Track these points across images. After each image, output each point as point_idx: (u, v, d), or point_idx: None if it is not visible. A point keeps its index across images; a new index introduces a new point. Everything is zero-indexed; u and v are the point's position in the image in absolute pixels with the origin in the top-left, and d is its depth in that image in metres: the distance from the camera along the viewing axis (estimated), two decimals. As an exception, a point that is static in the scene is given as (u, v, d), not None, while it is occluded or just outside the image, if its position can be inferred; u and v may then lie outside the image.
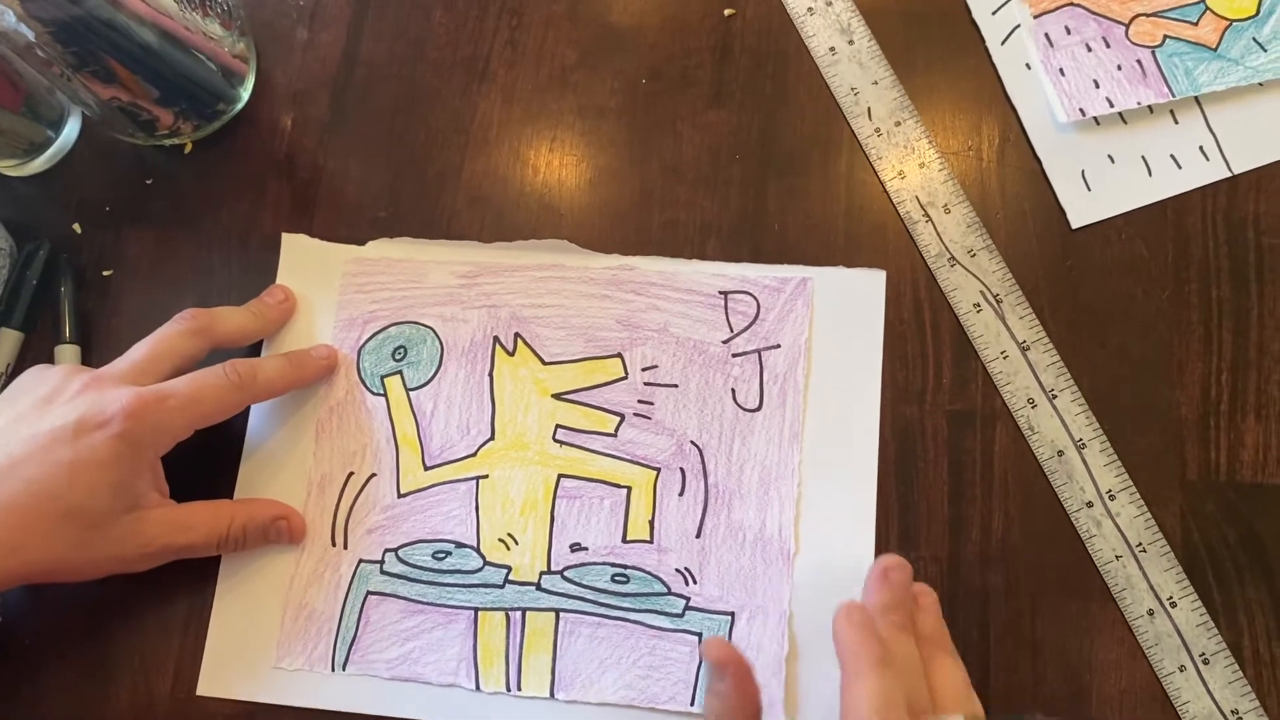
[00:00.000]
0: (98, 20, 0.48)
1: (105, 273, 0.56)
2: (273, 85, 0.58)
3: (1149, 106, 0.53)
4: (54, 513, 0.45)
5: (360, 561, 0.52)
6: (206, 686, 0.51)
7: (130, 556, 0.47)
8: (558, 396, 0.52)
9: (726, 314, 0.53)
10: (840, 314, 0.52)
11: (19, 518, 0.44)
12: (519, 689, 0.49)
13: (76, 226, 0.57)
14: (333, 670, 0.50)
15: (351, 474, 0.53)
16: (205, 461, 0.52)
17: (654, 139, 0.56)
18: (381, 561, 0.51)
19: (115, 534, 0.46)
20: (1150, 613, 0.48)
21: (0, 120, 0.55)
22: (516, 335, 0.53)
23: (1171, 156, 0.53)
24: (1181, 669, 0.47)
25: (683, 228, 0.54)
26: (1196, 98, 0.53)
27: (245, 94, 0.58)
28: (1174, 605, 0.48)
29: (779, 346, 0.52)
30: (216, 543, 0.50)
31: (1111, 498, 0.49)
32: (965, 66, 0.55)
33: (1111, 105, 0.53)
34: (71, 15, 0.47)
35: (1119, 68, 0.54)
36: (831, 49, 0.56)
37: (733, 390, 0.52)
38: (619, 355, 0.53)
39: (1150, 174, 0.53)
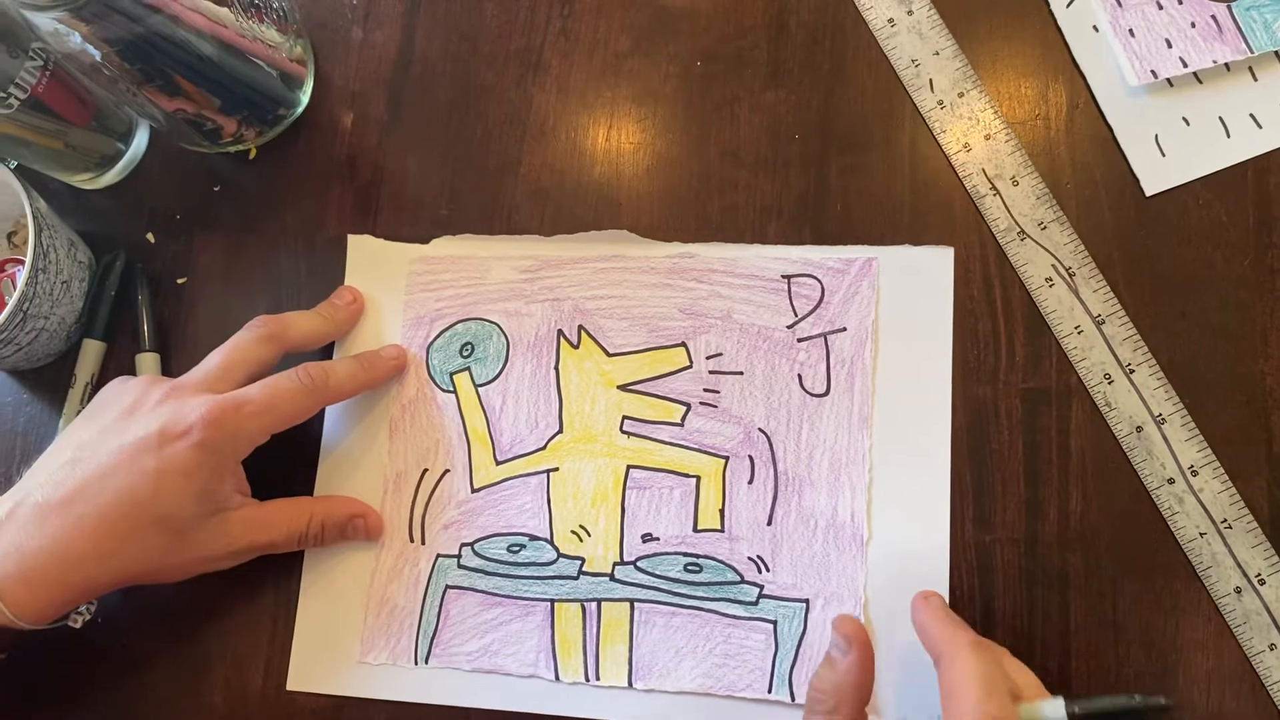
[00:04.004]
0: (160, 37, 0.49)
1: (179, 280, 0.58)
2: (331, 87, 0.59)
3: (1226, 64, 0.51)
4: (143, 521, 0.46)
5: (438, 556, 0.53)
6: (296, 681, 0.52)
7: (217, 556, 0.49)
8: (623, 388, 0.53)
9: (790, 298, 0.52)
10: (907, 294, 0.52)
11: (111, 527, 0.46)
12: (598, 679, 0.50)
13: (150, 236, 0.59)
14: (416, 664, 0.51)
15: (426, 470, 0.54)
16: (284, 463, 0.53)
17: (711, 122, 0.55)
18: (458, 556, 0.52)
19: (201, 537, 0.48)
20: (1238, 590, 0.47)
21: (72, 136, 0.56)
22: (580, 328, 0.53)
23: (1251, 116, 0.51)
24: (1272, 647, 0.46)
25: (743, 212, 0.54)
26: (1277, 52, 0.51)
27: (305, 97, 0.58)
28: (1263, 583, 0.47)
29: (845, 329, 0.51)
30: (297, 539, 0.51)
31: (1194, 473, 0.48)
32: (1029, 32, 0.53)
33: (1185, 65, 0.51)
34: (134, 33, 0.48)
35: (1192, 25, 0.51)
36: (890, 20, 0.54)
37: (799, 376, 0.51)
38: (683, 344, 0.53)
39: (1228, 135, 0.51)
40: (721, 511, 0.51)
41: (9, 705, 0.53)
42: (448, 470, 0.53)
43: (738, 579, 0.50)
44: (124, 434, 0.48)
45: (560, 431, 0.53)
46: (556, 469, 0.52)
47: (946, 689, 0.40)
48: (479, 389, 0.54)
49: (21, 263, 0.57)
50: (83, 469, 0.47)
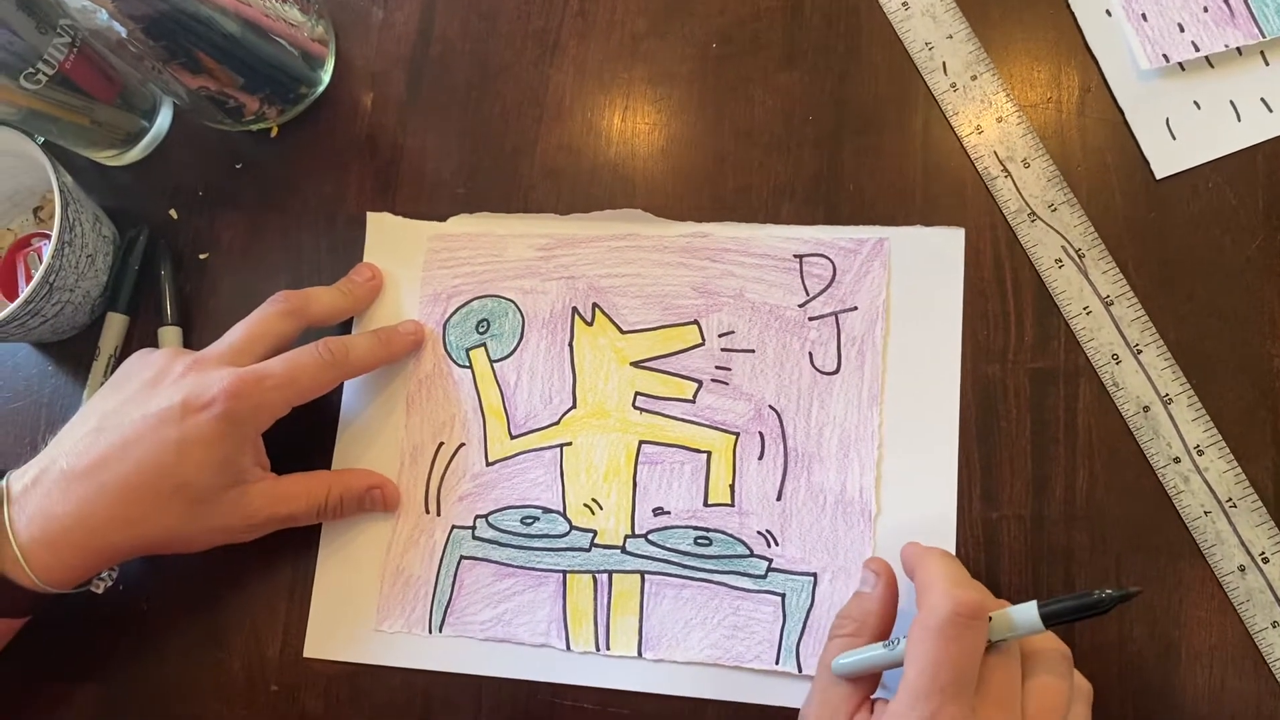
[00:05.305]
0: (184, 14, 0.50)
1: (201, 256, 0.59)
2: (352, 66, 0.60)
3: (1237, 49, 0.52)
4: (164, 489, 0.47)
5: (453, 527, 0.53)
6: (313, 649, 0.53)
7: (236, 528, 0.50)
8: (636, 364, 0.53)
9: (802, 277, 0.53)
10: (918, 274, 0.52)
11: (133, 494, 0.47)
12: (608, 649, 0.51)
13: (173, 212, 0.60)
14: (430, 632, 0.52)
15: (442, 444, 0.54)
16: (303, 436, 0.54)
17: (726, 104, 0.56)
18: (473, 527, 0.53)
19: (221, 508, 0.49)
20: (1241, 569, 0.47)
21: (98, 113, 0.57)
22: (594, 305, 0.54)
23: (1262, 100, 0.51)
24: (1274, 625, 0.47)
25: (756, 192, 0.54)
26: (1289, 37, 0.51)
27: (326, 76, 0.59)
28: (1266, 561, 0.47)
29: (856, 309, 0.52)
30: (315, 512, 0.52)
31: (1200, 453, 0.48)
32: (1042, 16, 0.54)
33: (1197, 49, 0.51)
34: (160, 10, 0.49)
35: (1205, 9, 0.52)
36: (904, 3, 0.55)
37: (810, 354, 0.52)
38: (695, 322, 0.53)
39: (1239, 119, 0.51)
40: (732, 486, 0.51)
41: (31, 667, 0.55)
42: (463, 444, 0.54)
43: (747, 552, 0.51)
44: (147, 404, 0.49)
45: (574, 407, 0.54)
46: (570, 443, 0.53)
47: (920, 586, 0.42)
48: (494, 364, 0.55)
49: (48, 237, 0.58)
50: (107, 438, 0.48)
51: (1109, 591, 0.38)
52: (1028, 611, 0.40)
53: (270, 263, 0.58)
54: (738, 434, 0.52)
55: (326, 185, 0.59)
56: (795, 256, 0.53)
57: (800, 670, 0.49)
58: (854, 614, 0.46)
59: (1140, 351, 0.50)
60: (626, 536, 0.52)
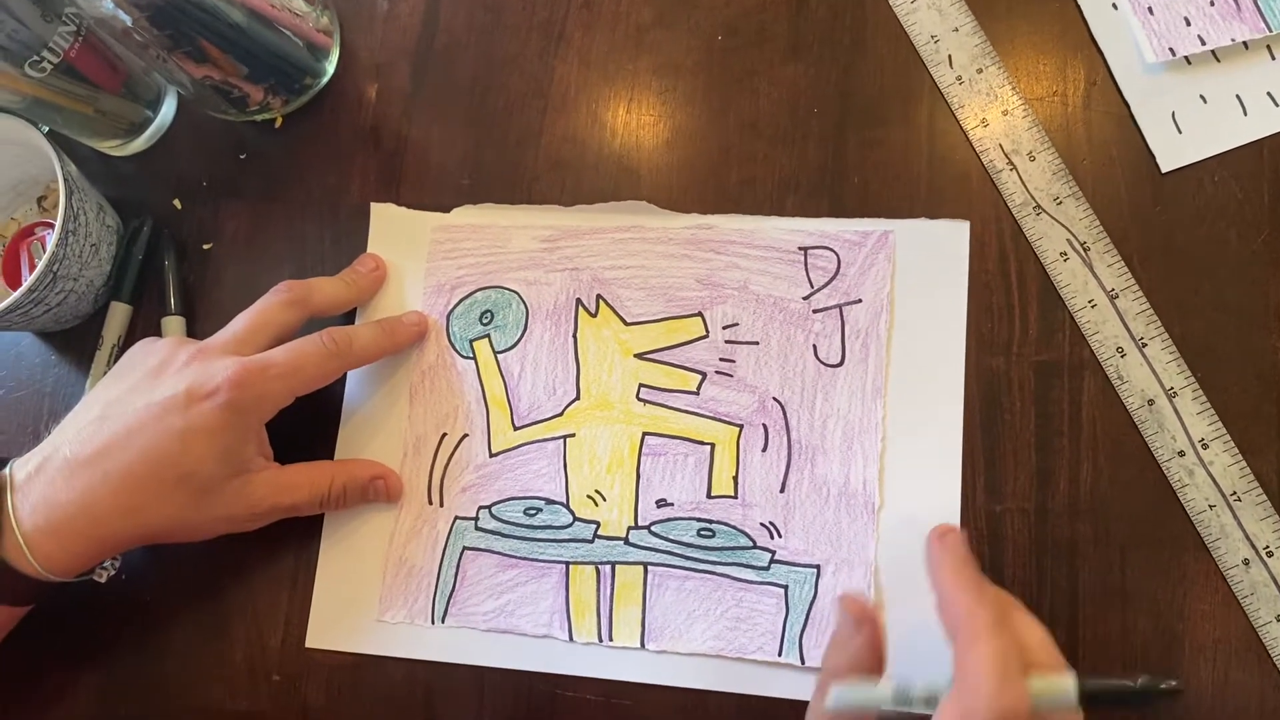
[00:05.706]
0: (189, 3, 0.50)
1: (205, 246, 0.59)
2: (356, 57, 0.60)
3: (1244, 42, 0.51)
4: (168, 478, 0.47)
5: (456, 518, 0.53)
6: (315, 639, 0.53)
7: (239, 517, 0.50)
8: (640, 356, 0.53)
9: (806, 270, 0.53)
10: (923, 266, 0.52)
11: (137, 483, 0.47)
12: (610, 640, 0.51)
13: (176, 202, 0.60)
14: (432, 623, 0.52)
15: (445, 434, 0.54)
16: (307, 426, 0.54)
17: (731, 95, 0.56)
18: (476, 518, 0.53)
19: (225, 497, 0.49)
20: (1245, 562, 0.47)
21: (102, 102, 0.57)
22: (598, 297, 0.54)
23: (1269, 94, 0.51)
24: (1279, 618, 0.47)
25: (761, 184, 0.54)
26: (1295, 31, 0.51)
27: (330, 67, 0.59)
28: (1270, 555, 0.47)
29: (860, 301, 0.52)
30: (319, 501, 0.52)
31: (1204, 446, 0.48)
32: (1048, 9, 0.54)
33: (1204, 43, 0.51)
34: (165, -1, 0.49)
35: (1212, 3, 0.52)
36: (910, -4, 0.55)
37: (814, 346, 0.52)
38: (699, 314, 0.53)
39: (1245, 113, 0.51)
40: (735, 478, 0.51)
41: (33, 656, 0.55)
42: (466, 435, 0.54)
43: (750, 544, 0.51)
44: (151, 393, 0.48)
45: (577, 398, 0.54)
46: (573, 435, 0.53)
47: (961, 671, 0.39)
48: (498, 355, 0.55)
49: (51, 227, 0.58)
50: (110, 426, 0.48)
51: (1149, 679, 0.38)
52: (1065, 694, 0.38)
53: (274, 253, 0.58)
54: (741, 426, 0.52)
55: (330, 176, 0.58)
56: (800, 249, 0.53)
57: (803, 662, 0.49)
58: (841, 669, 0.43)
59: (1145, 345, 0.50)
60: (629, 528, 0.52)
